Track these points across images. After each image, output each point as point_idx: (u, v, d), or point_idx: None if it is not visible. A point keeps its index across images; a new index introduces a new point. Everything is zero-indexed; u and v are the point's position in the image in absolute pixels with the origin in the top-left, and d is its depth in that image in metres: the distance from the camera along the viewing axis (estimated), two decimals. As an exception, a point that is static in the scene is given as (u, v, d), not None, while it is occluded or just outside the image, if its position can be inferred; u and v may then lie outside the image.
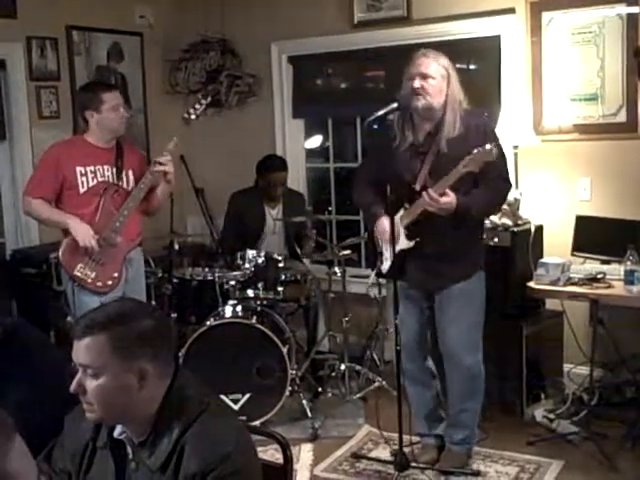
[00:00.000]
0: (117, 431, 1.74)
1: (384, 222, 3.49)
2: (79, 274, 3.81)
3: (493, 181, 3.37)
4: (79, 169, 3.85)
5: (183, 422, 1.68)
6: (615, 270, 3.92)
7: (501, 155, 3.37)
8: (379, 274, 3.74)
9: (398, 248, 3.44)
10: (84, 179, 3.85)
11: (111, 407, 1.67)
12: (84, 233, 3.77)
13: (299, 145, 5.65)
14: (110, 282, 3.87)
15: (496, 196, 3.49)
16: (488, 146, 3.19)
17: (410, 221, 3.43)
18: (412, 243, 3.45)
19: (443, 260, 3.44)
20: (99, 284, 3.84)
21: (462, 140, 3.33)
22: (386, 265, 3.58)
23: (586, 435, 3.81)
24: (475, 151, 3.20)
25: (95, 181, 3.88)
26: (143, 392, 1.67)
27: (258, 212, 4.99)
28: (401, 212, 3.46)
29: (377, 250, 3.64)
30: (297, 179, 5.50)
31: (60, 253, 3.85)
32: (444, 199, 3.26)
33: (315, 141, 5.76)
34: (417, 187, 3.39)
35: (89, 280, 3.82)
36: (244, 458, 1.67)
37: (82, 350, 1.65)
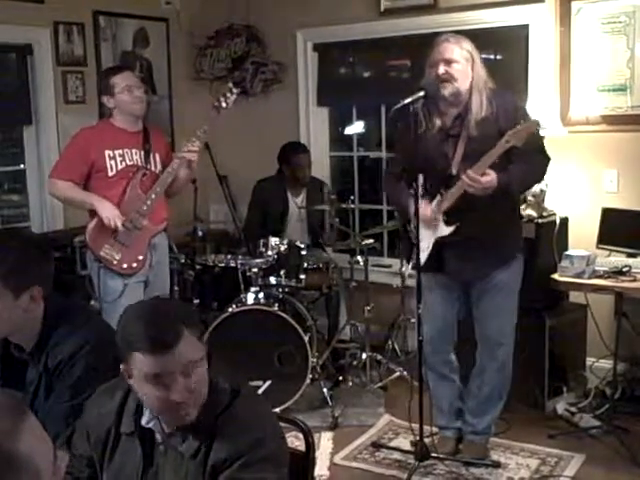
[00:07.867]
0: (145, 419, 1.75)
1: (424, 209, 3.39)
2: (105, 255, 3.84)
3: (531, 155, 3.31)
4: (108, 152, 3.87)
5: (215, 409, 1.68)
6: (641, 263, 3.88)
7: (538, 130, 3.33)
8: (416, 267, 3.64)
9: (437, 235, 3.40)
10: (113, 162, 3.87)
11: None
12: (109, 212, 3.80)
13: (323, 133, 5.62)
14: (135, 264, 3.90)
15: (535, 169, 3.42)
16: (532, 118, 3.14)
17: (449, 206, 3.37)
18: (452, 228, 3.39)
19: (482, 245, 3.38)
20: (124, 266, 3.87)
21: (492, 120, 3.30)
22: (424, 256, 3.48)
23: (608, 429, 3.78)
24: (518, 126, 3.15)
25: (124, 164, 3.90)
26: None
27: (282, 200, 5.00)
28: (437, 199, 3.41)
29: (412, 242, 3.55)
30: (321, 167, 5.48)
31: (87, 234, 3.88)
32: (485, 178, 3.21)
33: (339, 129, 5.74)
34: (453, 171, 3.35)
35: (114, 261, 3.85)
36: (275, 444, 1.68)
37: None
